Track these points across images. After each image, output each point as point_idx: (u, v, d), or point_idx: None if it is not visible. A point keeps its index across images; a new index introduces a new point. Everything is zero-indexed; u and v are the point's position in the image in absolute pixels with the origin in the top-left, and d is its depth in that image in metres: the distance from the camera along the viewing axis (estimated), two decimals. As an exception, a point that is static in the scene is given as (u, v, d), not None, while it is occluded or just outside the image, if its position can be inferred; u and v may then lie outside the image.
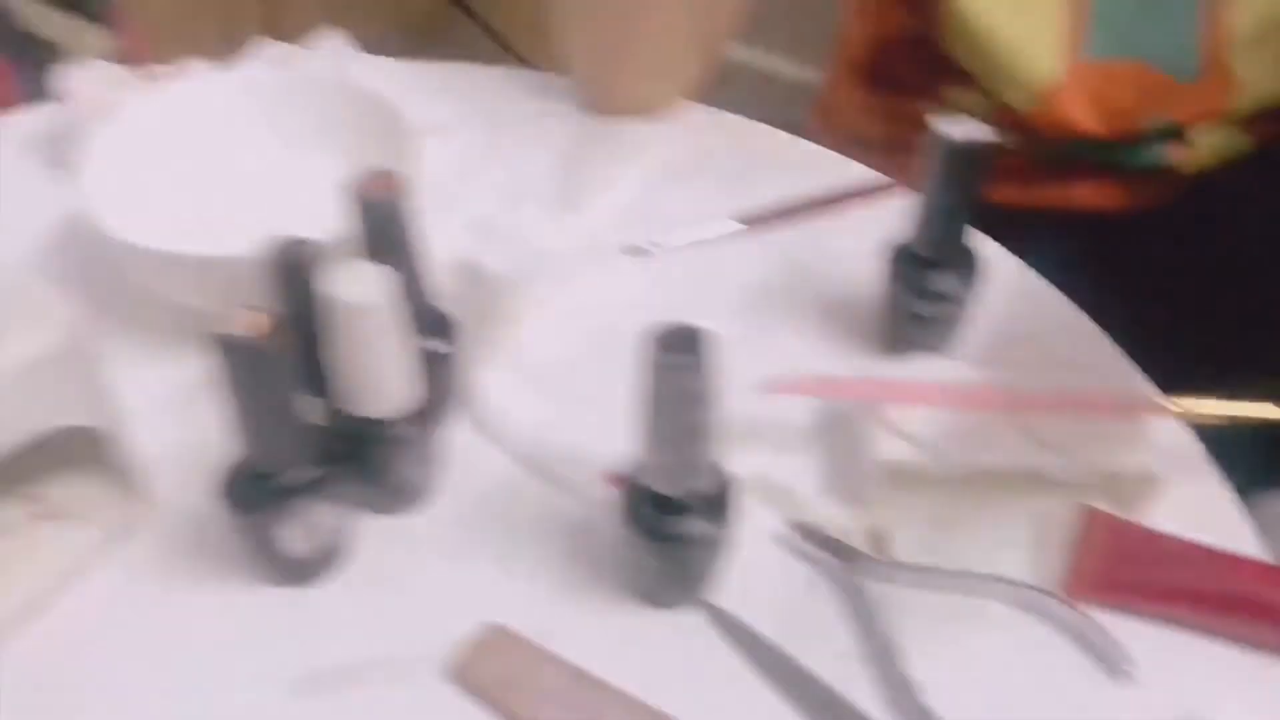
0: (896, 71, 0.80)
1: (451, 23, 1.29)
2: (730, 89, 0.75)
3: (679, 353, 0.40)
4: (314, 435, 0.46)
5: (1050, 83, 0.69)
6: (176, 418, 0.54)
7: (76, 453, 0.50)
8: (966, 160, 0.50)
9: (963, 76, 0.73)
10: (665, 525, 0.45)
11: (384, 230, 0.48)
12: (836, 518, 0.51)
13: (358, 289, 0.44)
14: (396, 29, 0.72)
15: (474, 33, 1.30)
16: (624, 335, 0.59)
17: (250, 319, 0.41)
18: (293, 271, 0.47)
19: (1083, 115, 0.70)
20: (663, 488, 0.44)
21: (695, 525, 0.45)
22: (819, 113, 0.87)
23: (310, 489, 0.46)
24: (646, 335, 0.40)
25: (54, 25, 0.82)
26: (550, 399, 0.55)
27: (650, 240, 0.63)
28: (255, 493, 0.45)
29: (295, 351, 0.43)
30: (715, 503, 0.45)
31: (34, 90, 0.81)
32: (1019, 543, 0.50)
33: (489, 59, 0.77)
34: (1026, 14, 0.69)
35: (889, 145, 0.73)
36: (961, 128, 0.50)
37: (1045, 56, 0.69)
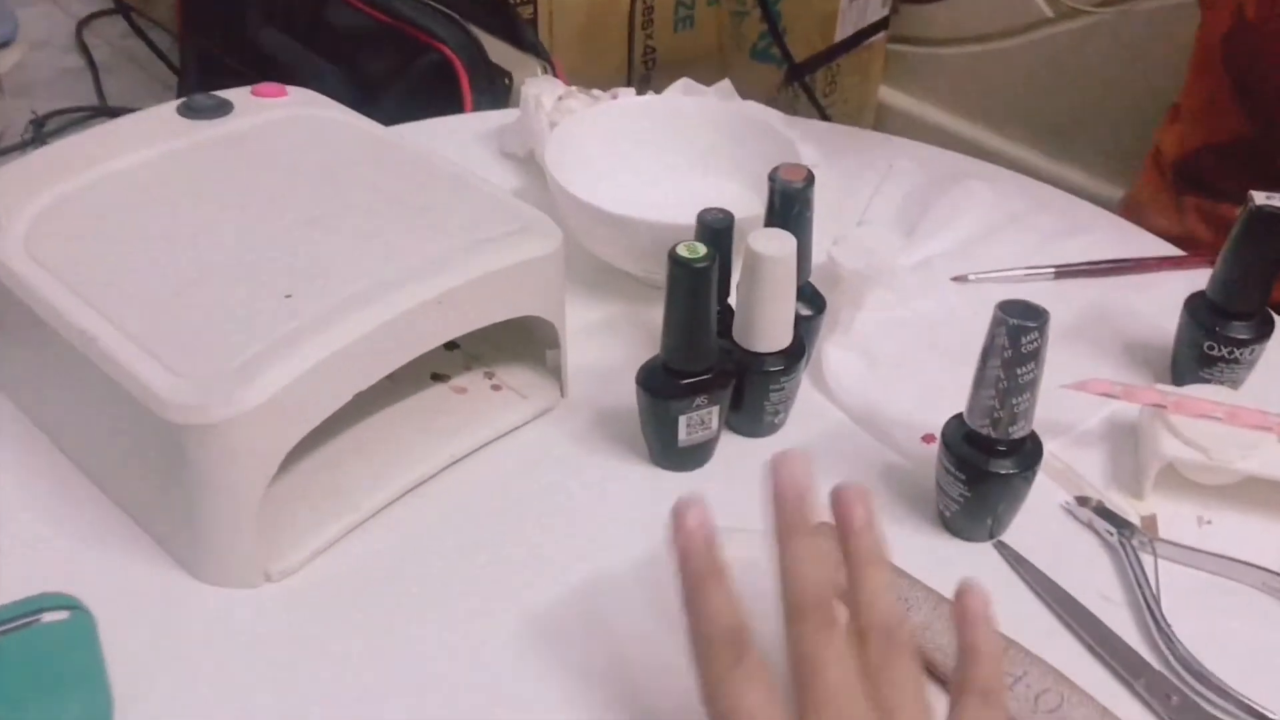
0: (1208, 176, 0.89)
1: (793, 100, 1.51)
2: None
3: (1024, 318, 0.52)
4: (714, 354, 0.60)
5: None
6: (592, 341, 0.70)
7: (523, 346, 0.66)
8: (1268, 224, 0.61)
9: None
10: (980, 461, 0.56)
11: (789, 210, 0.62)
12: (1115, 500, 0.61)
13: (774, 246, 0.59)
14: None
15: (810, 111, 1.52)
16: (943, 341, 0.72)
17: (691, 248, 0.56)
18: (714, 234, 0.62)
19: None
20: (985, 430, 0.56)
21: (1004, 466, 0.56)
22: (1128, 209, 0.97)
23: (704, 389, 0.60)
24: (999, 304, 0.53)
25: (498, 51, 1.04)
26: (879, 378, 0.68)
27: (974, 272, 0.76)
28: (666, 384, 0.60)
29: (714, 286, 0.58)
30: (1024, 453, 0.57)
31: (481, 101, 1.02)
32: (1271, 543, 0.59)
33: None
34: None
35: (1189, 241, 0.83)
36: (1271, 199, 0.61)
37: None
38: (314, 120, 0.69)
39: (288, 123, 0.68)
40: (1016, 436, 0.56)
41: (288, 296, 0.54)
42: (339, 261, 0.57)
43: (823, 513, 0.47)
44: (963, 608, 0.45)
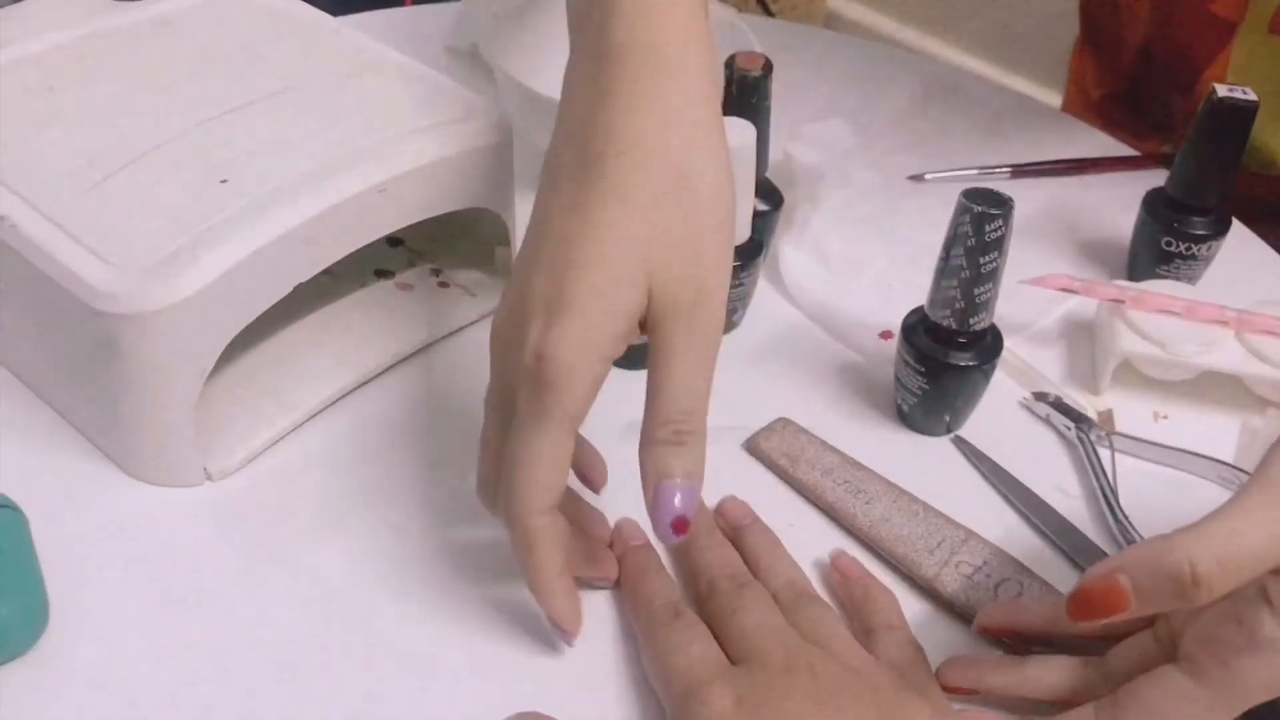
0: (1117, 117, 0.89)
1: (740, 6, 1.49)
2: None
3: (989, 205, 0.51)
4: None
5: None
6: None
7: (471, 244, 0.64)
8: (1228, 117, 0.60)
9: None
10: (940, 353, 0.56)
11: (747, 99, 0.60)
12: (1073, 397, 0.60)
13: (733, 134, 0.56)
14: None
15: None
16: (899, 240, 0.70)
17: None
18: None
19: None
20: (946, 322, 0.55)
21: (964, 358, 0.55)
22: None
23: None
24: (964, 191, 0.52)
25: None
26: (835, 276, 0.67)
27: (929, 171, 0.74)
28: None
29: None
30: (984, 346, 0.56)
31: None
32: (1225, 439, 0.59)
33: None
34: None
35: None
36: (1233, 91, 0.60)
37: None
38: (250, 5, 0.65)
39: (221, 6, 0.64)
40: (978, 328, 0.55)
41: (223, 182, 0.51)
42: (277, 147, 0.54)
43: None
44: (842, 572, 0.51)
